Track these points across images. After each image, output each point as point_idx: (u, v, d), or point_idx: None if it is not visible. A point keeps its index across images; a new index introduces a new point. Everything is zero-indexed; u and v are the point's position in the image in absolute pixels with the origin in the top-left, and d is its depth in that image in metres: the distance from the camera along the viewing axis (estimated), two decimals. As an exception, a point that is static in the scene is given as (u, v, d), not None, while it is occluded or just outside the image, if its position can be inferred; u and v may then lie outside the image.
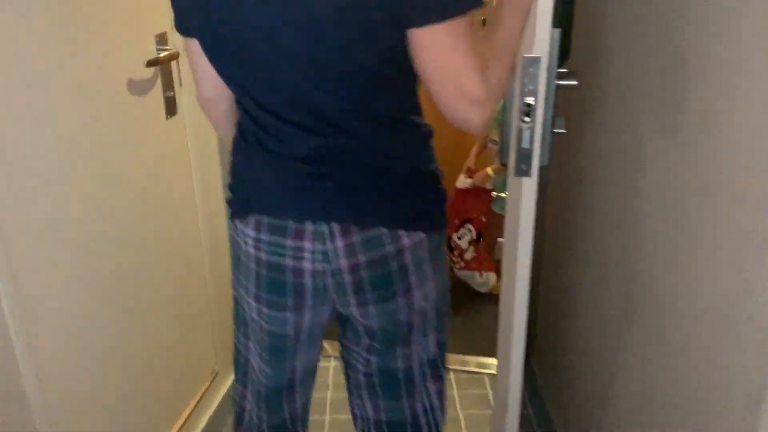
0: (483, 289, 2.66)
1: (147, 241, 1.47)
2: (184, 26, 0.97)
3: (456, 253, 2.64)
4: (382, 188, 0.98)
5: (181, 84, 1.56)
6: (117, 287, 1.36)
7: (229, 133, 1.09)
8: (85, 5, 1.20)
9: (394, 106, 0.95)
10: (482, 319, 2.53)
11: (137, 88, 1.38)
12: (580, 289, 1.59)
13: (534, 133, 1.00)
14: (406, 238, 0.99)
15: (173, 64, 1.51)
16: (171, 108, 1.53)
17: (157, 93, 1.47)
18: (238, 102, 1.00)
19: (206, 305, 1.83)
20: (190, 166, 1.66)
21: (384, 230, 0.98)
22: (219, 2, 0.87)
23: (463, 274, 2.65)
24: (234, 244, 1.08)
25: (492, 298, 2.54)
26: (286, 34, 0.85)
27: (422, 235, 1.01)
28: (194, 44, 0.96)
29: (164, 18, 1.47)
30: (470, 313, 2.60)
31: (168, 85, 1.51)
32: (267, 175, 1.00)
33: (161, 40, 1.45)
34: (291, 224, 0.98)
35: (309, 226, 0.97)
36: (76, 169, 1.20)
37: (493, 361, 2.24)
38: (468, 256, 2.62)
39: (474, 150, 2.61)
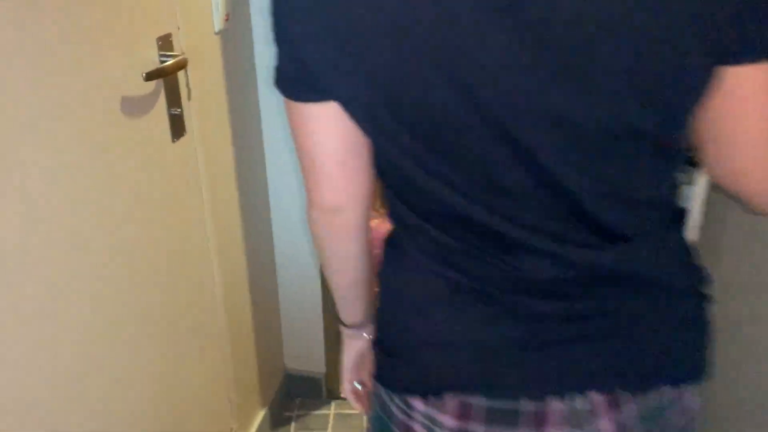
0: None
1: (151, 286, 1.17)
2: (316, 85, 0.59)
3: None
4: (659, 320, 0.63)
5: (189, 97, 1.26)
6: (117, 338, 1.07)
7: (351, 262, 0.74)
8: (63, 5, 0.89)
9: (667, 186, 0.61)
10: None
11: (134, 107, 1.08)
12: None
13: (696, 187, 0.70)
14: (690, 397, 0.66)
15: (180, 74, 1.20)
16: (178, 128, 1.23)
17: (161, 111, 1.17)
18: (409, 198, 0.64)
19: (221, 355, 1.53)
20: (202, 198, 1.36)
21: (668, 390, 0.64)
22: (413, 37, 0.52)
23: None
24: (394, 423, 0.71)
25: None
26: (534, 81, 0.51)
27: (701, 384, 0.68)
28: (324, 114, 0.61)
29: (169, 16, 1.16)
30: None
31: (174, 100, 1.20)
32: (471, 322, 0.63)
33: (165, 44, 1.14)
34: (525, 405, 0.63)
35: (555, 405, 0.63)
36: (61, 209, 0.90)
37: None
38: None
39: None
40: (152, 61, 1.12)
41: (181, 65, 1.15)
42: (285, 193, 1.74)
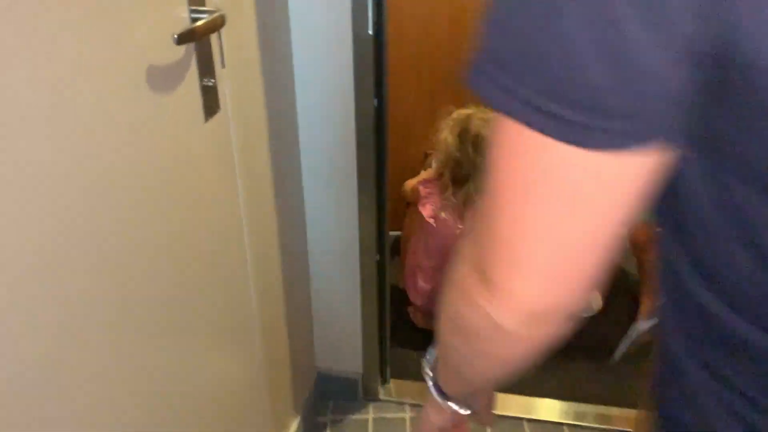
0: (587, 315, 2.15)
1: (180, 284, 0.96)
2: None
3: None
4: None
5: (224, 65, 1.01)
6: (141, 342, 0.85)
7: (517, 369, 0.50)
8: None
9: None
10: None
11: (162, 78, 0.84)
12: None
13: None
14: None
15: (213, 37, 0.96)
16: (211, 104, 0.99)
17: (191, 83, 0.93)
18: None
19: (255, 359, 1.32)
20: (236, 187, 1.13)
21: None
22: None
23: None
24: None
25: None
26: None
27: None
28: (649, 166, 0.35)
29: (199, -39, 0.91)
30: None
31: (206, 69, 0.96)
32: None
33: (196, -2, 0.90)
34: None
35: None
36: (75, 202, 0.67)
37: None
38: None
39: None
40: (182, 19, 0.87)
41: (218, 24, 0.91)
42: (318, 176, 1.51)
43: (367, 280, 1.62)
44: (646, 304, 2.10)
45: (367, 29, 1.32)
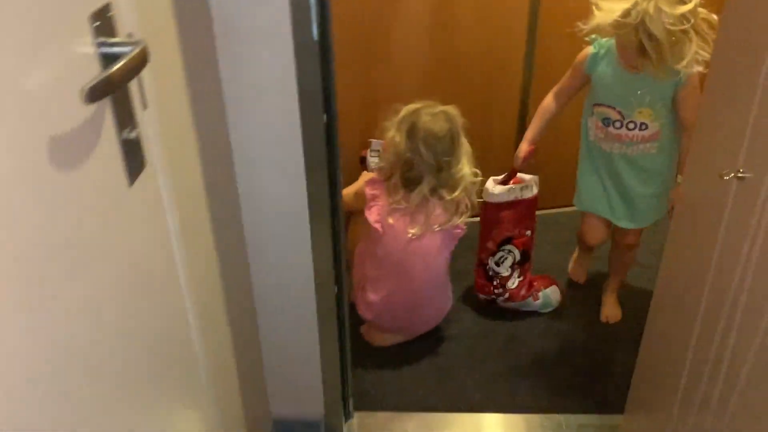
0: (547, 310, 2.05)
1: (114, 347, 0.73)
2: None
3: (496, 282, 1.99)
4: None
5: (146, 105, 0.77)
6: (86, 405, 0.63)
7: None
8: None
9: None
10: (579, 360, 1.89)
11: (68, 146, 0.60)
12: None
13: None
14: None
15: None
16: (135, 161, 0.74)
17: (108, 140, 0.68)
18: None
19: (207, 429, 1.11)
20: (174, 264, 0.89)
21: None
22: None
23: (512, 305, 2.02)
24: None
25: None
26: None
27: None
28: None
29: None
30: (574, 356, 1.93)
31: (126, 118, 0.71)
32: None
33: (104, 25, 0.65)
34: None
35: None
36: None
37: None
38: (512, 284, 2.00)
39: (523, 149, 1.89)
40: (89, 60, 0.63)
41: (140, 63, 0.66)
42: (263, 209, 1.28)
43: (326, 315, 1.42)
44: (609, 301, 2.02)
45: (311, 34, 1.10)
